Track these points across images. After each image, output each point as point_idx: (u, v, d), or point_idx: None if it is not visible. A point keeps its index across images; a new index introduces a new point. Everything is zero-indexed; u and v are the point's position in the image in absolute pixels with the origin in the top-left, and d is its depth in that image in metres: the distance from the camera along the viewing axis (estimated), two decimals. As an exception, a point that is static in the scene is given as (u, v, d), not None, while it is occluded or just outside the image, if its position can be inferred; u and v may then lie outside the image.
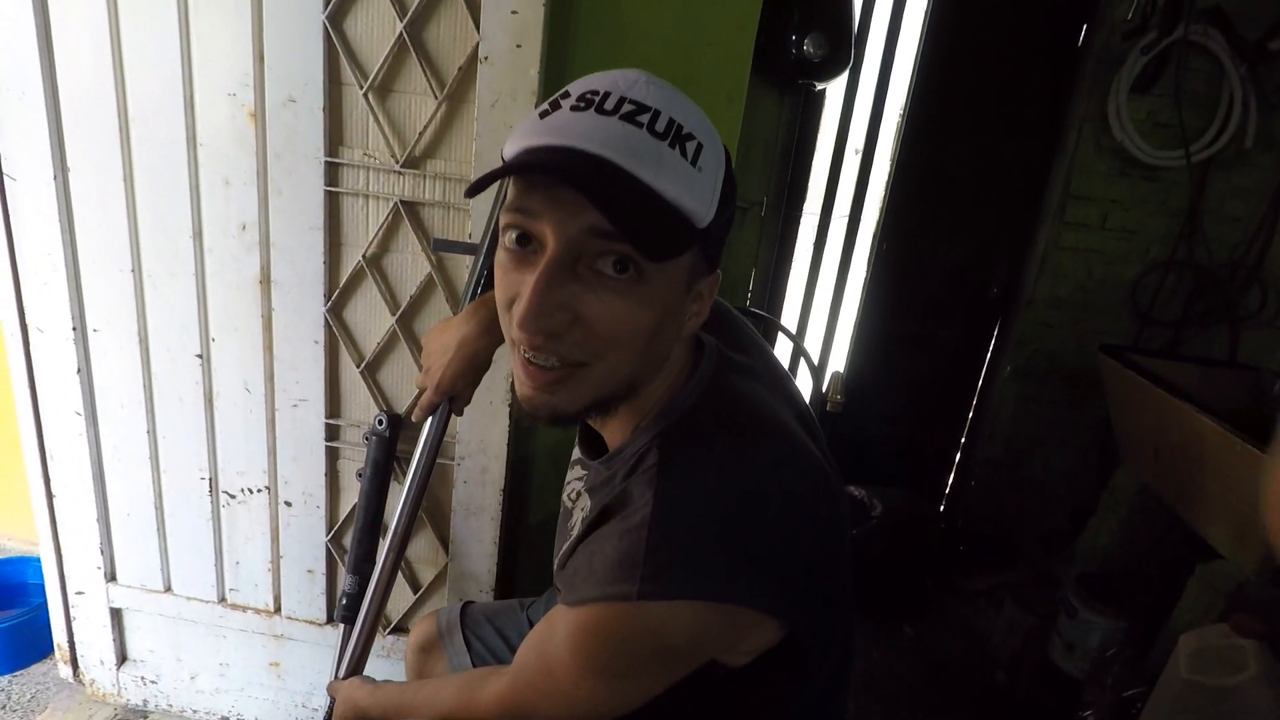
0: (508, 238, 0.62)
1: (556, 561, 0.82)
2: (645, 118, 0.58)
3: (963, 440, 2.80)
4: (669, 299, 0.63)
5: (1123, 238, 2.41)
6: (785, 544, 0.65)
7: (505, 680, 0.75)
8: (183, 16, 1.18)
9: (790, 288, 2.63)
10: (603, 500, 0.70)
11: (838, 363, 2.70)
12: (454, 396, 1.04)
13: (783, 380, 0.83)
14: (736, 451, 0.67)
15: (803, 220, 2.56)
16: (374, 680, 1.03)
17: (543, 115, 0.60)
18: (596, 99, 0.59)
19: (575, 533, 0.75)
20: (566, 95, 0.61)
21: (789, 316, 2.68)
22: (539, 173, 0.58)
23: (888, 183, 2.54)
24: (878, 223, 2.59)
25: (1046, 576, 2.45)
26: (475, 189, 0.62)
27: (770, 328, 2.28)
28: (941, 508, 2.86)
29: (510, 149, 0.62)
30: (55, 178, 1.28)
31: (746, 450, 0.67)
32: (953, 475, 2.83)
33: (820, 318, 2.68)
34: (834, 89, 2.36)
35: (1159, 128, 2.22)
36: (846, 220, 2.60)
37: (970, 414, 2.77)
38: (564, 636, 0.66)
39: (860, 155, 2.55)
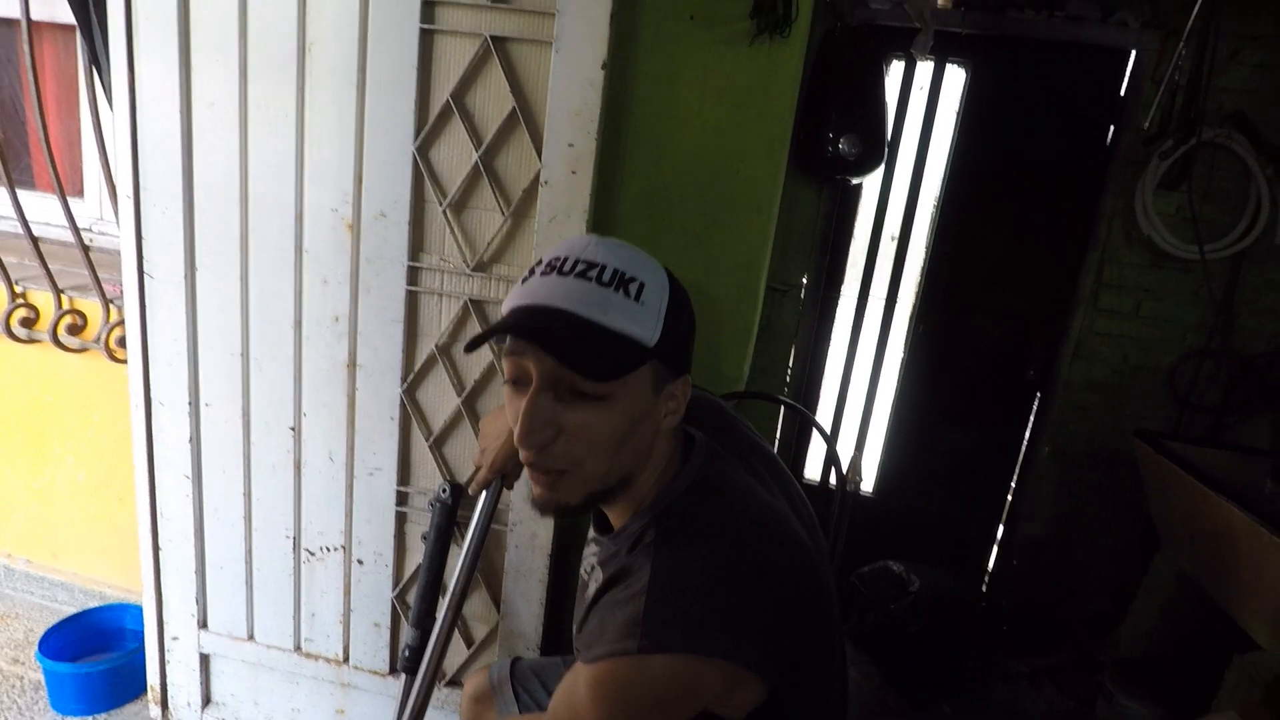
0: (509, 377, 0.80)
1: (575, 626, 0.95)
2: (594, 272, 0.76)
3: (1003, 520, 2.81)
4: (636, 407, 0.79)
5: (1157, 325, 2.46)
6: (767, 610, 0.78)
7: None
8: (299, 146, 1.42)
9: (829, 366, 2.75)
10: (609, 571, 0.85)
11: (876, 439, 2.79)
12: (505, 474, 1.21)
13: (773, 465, 0.98)
14: (723, 530, 0.82)
15: (840, 303, 2.71)
16: None
17: (524, 281, 0.80)
18: (558, 264, 0.78)
19: (589, 601, 0.89)
20: (540, 262, 0.80)
21: (828, 394, 2.79)
22: (510, 332, 0.76)
23: (923, 267, 2.67)
24: (914, 305, 2.70)
25: (1089, 660, 2.43)
26: (473, 345, 0.81)
27: (790, 409, 2.40)
28: (984, 587, 2.86)
29: (505, 306, 0.81)
30: (186, 276, 1.52)
31: (732, 529, 0.82)
32: (995, 554, 2.84)
33: (859, 395, 2.78)
34: (870, 181, 2.53)
35: (1188, 222, 2.30)
36: (884, 302, 2.72)
37: (1010, 494, 2.79)
38: (584, 689, 0.80)
39: (896, 241, 2.70)
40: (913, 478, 2.78)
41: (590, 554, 0.96)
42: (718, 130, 1.49)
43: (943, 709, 2.41)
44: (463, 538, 1.50)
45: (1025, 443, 2.73)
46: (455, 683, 1.63)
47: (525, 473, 0.83)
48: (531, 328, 0.76)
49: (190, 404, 1.58)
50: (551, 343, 0.74)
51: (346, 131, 1.39)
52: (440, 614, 1.33)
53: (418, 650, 1.39)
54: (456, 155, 1.39)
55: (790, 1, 1.38)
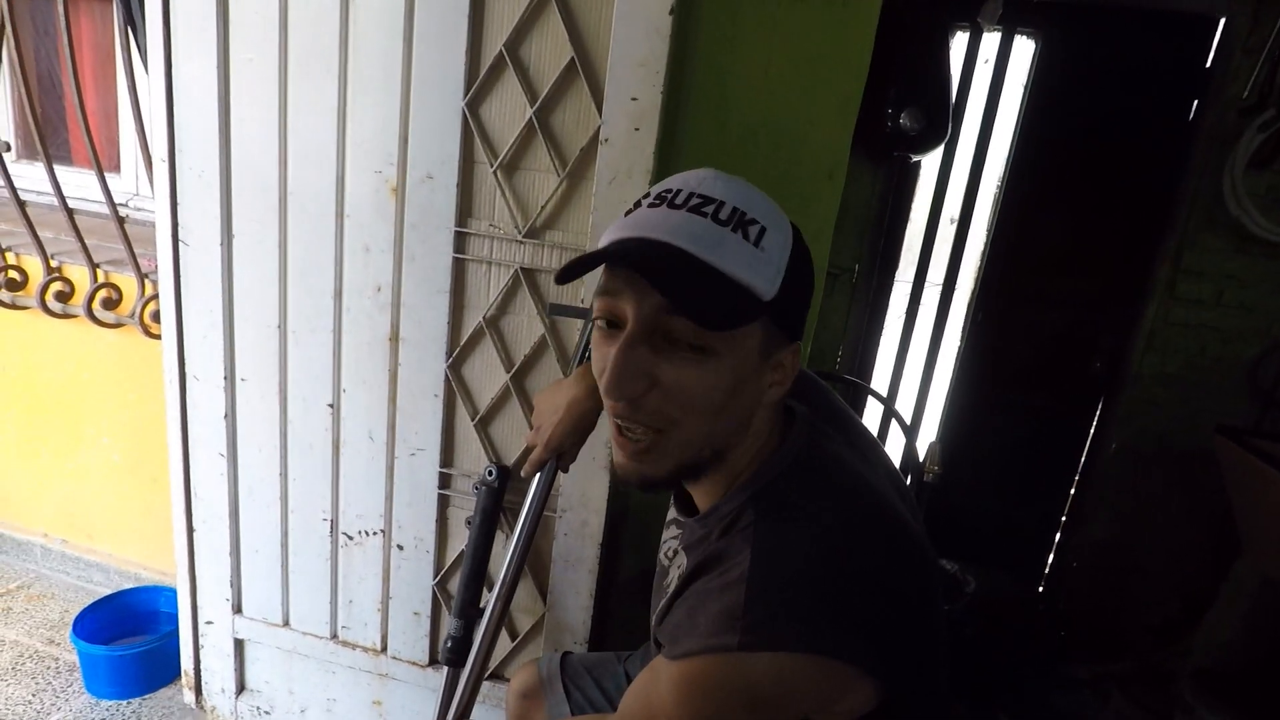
0: (599, 322, 0.71)
1: (654, 617, 0.85)
2: (710, 208, 0.67)
3: (1064, 519, 2.67)
4: (742, 368, 0.69)
5: (1240, 315, 2.30)
6: (880, 604, 0.67)
7: None
8: (341, 104, 1.34)
9: (881, 354, 2.62)
10: (698, 557, 0.75)
11: (929, 432, 2.66)
12: (561, 454, 1.11)
13: (875, 449, 0.87)
14: (831, 514, 0.71)
15: (895, 288, 2.58)
16: None
17: (627, 213, 0.71)
18: (669, 196, 0.69)
19: (671, 588, 0.79)
20: (647, 195, 0.71)
21: (879, 384, 2.67)
22: (612, 260, 0.68)
23: (984, 252, 2.53)
24: (973, 291, 2.57)
25: (1157, 669, 2.28)
26: (565, 275, 0.71)
27: (861, 393, 2.28)
28: (1041, 589, 2.72)
29: (602, 242, 0.71)
30: (222, 244, 1.45)
31: (841, 513, 0.71)
32: (1053, 555, 2.70)
33: (912, 386, 2.65)
34: (929, 160, 2.40)
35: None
36: (940, 288, 2.59)
37: (1072, 491, 2.65)
38: (668, 687, 0.69)
39: (955, 224, 2.56)
40: (969, 473, 2.64)
41: (671, 537, 0.86)
42: (786, 90, 1.38)
43: (999, 717, 2.28)
44: (509, 523, 1.42)
45: (1090, 438, 2.59)
46: (497, 676, 1.54)
47: (611, 435, 0.73)
48: (636, 260, 0.66)
49: (226, 379, 1.51)
50: (660, 279, 0.64)
51: (392, 87, 1.30)
52: (485, 604, 1.24)
53: (461, 641, 1.30)
54: (509, 111, 1.29)
55: (870, -50, 1.27)
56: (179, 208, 1.45)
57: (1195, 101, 2.22)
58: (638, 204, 0.71)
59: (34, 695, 1.82)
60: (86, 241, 1.91)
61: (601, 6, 1.21)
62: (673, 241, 0.66)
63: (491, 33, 1.26)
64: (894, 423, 1.80)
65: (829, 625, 0.65)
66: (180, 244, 1.47)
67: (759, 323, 0.68)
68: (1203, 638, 2.15)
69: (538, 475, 1.17)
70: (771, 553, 0.68)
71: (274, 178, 1.40)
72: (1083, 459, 2.61)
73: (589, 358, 1.16)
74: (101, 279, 1.95)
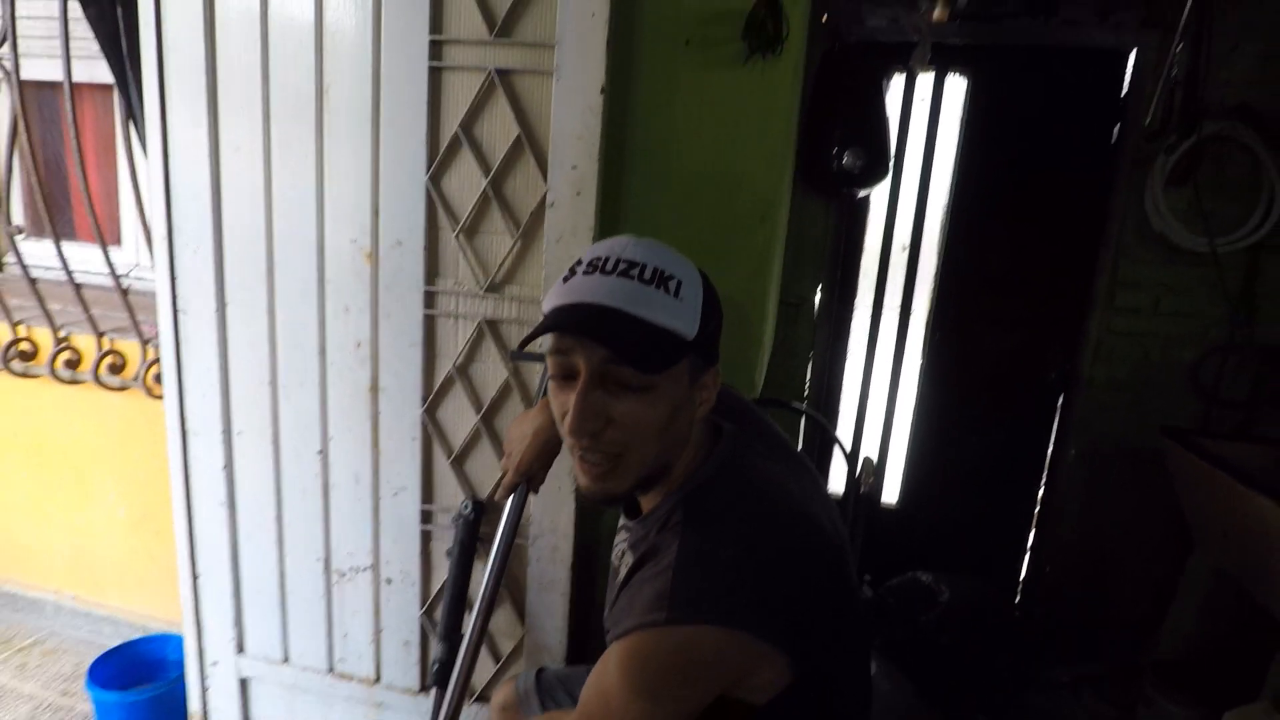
0: (554, 373, 0.85)
1: (606, 610, 0.99)
2: (635, 271, 0.81)
3: (1033, 525, 2.78)
4: (677, 396, 0.84)
5: (1178, 321, 2.44)
6: (790, 589, 0.81)
7: (572, 716, 0.91)
8: (319, 183, 1.50)
9: (847, 379, 2.76)
10: (639, 552, 0.90)
11: (899, 450, 2.78)
12: (531, 477, 1.25)
13: (795, 459, 1.01)
14: (748, 509, 0.86)
15: (855, 315, 2.73)
16: None
17: (565, 280, 0.85)
18: (600, 263, 0.83)
19: (619, 582, 0.93)
20: (580, 263, 0.85)
21: (847, 405, 2.80)
22: (565, 329, 0.82)
23: (936, 276, 2.68)
24: (929, 314, 2.71)
25: (1132, 666, 2.37)
26: (522, 346, 0.87)
27: (813, 420, 2.41)
28: (1017, 596, 2.81)
29: (546, 306, 0.86)
30: (216, 310, 1.60)
31: (756, 509, 0.86)
32: (1026, 561, 2.80)
33: (879, 406, 2.78)
34: (879, 192, 2.56)
35: (1200, 216, 2.29)
36: (898, 313, 2.73)
37: (1039, 498, 2.76)
38: (613, 665, 0.83)
39: (907, 252, 2.71)
40: (938, 487, 2.76)
41: (621, 540, 1.00)
42: (717, 148, 1.54)
43: (977, 718, 2.37)
44: (486, 553, 1.55)
45: (1051, 446, 2.71)
46: (484, 698, 1.65)
47: (574, 464, 0.87)
48: (584, 324, 0.80)
49: (224, 432, 1.65)
50: (606, 338, 0.79)
51: (363, 166, 1.47)
52: (466, 629, 1.36)
53: (446, 664, 1.42)
54: (467, 183, 1.45)
55: (780, 20, 1.44)
56: (177, 280, 1.61)
57: (1117, 126, 2.39)
58: (573, 271, 0.85)
59: (52, 745, 1.92)
60: (92, 312, 2.07)
61: (543, 89, 1.38)
62: (609, 304, 0.80)
63: (448, 115, 1.43)
64: (837, 440, 1.92)
65: (743, 605, 0.79)
66: (179, 312, 1.62)
67: (686, 359, 0.84)
68: (1167, 631, 2.25)
69: (510, 498, 1.30)
70: (695, 545, 0.83)
71: (261, 250, 1.55)
72: (1046, 466, 2.72)
73: (545, 392, 1.31)
74: (106, 346, 2.10)
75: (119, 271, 2.05)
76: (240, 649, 1.76)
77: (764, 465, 0.93)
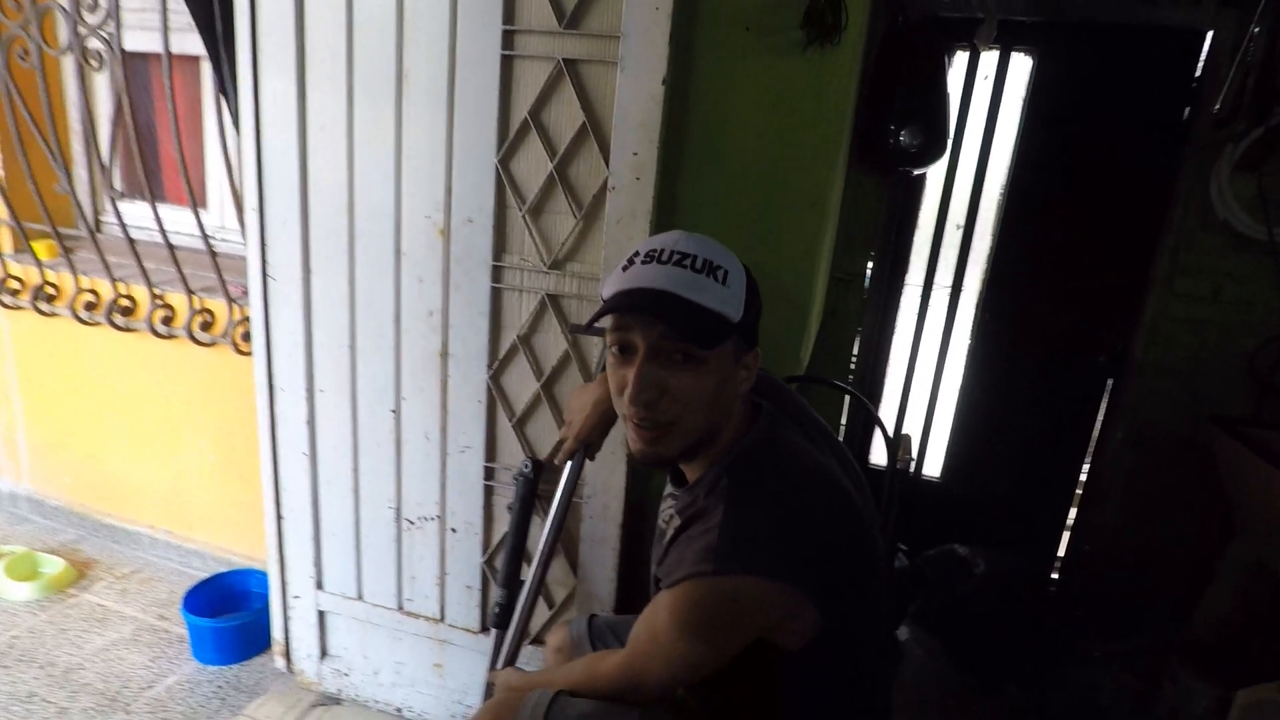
0: (614, 349, 0.96)
1: (654, 564, 1.11)
2: (688, 261, 0.92)
3: (1076, 505, 2.80)
4: (722, 371, 0.95)
5: (1239, 310, 2.40)
6: (821, 547, 0.92)
7: (622, 653, 1.05)
8: (397, 163, 1.61)
9: (895, 354, 2.80)
10: (687, 516, 1.01)
11: (943, 426, 2.83)
12: (589, 444, 1.37)
13: (825, 436, 1.12)
14: (785, 479, 0.97)
15: (905, 291, 2.75)
16: (523, 669, 1.33)
17: (624, 269, 0.96)
18: (656, 254, 0.94)
19: (668, 541, 1.05)
20: (637, 254, 0.96)
21: (893, 381, 2.84)
22: (628, 306, 0.93)
23: (989, 255, 2.68)
24: (980, 293, 2.72)
25: (1165, 643, 2.41)
26: (589, 325, 0.98)
27: (842, 392, 2.46)
28: (1056, 573, 2.85)
29: (607, 291, 0.96)
30: (302, 279, 1.73)
31: (792, 479, 0.97)
32: (1067, 539, 2.83)
33: (925, 383, 2.81)
34: (935, 170, 2.56)
35: (1267, 204, 2.24)
36: (949, 290, 2.75)
37: (1083, 479, 2.78)
38: (664, 610, 0.95)
39: (961, 230, 2.72)
40: (982, 464, 2.80)
41: (667, 506, 1.11)
42: (772, 136, 1.58)
43: (1009, 688, 2.44)
44: (543, 508, 1.67)
45: (1098, 428, 2.71)
46: (538, 640, 1.80)
47: (627, 430, 0.98)
48: (644, 305, 0.91)
49: (307, 390, 1.80)
50: (664, 315, 0.90)
51: (438, 147, 1.57)
52: (525, 577, 1.49)
53: (506, 608, 1.56)
54: (534, 165, 1.55)
55: (840, 10, 1.47)
56: (267, 248, 1.74)
57: (1187, 109, 2.34)
58: (630, 261, 0.96)
59: (152, 661, 2.15)
60: (184, 271, 2.24)
61: (608, 78, 1.45)
62: (667, 289, 0.91)
63: (518, 101, 1.51)
64: (877, 419, 1.98)
65: (781, 558, 0.90)
66: (269, 278, 1.76)
67: (731, 340, 0.94)
68: (1201, 613, 2.28)
69: (569, 463, 1.42)
70: (739, 507, 0.94)
71: (344, 223, 1.68)
72: (1091, 447, 2.73)
73: (604, 367, 1.42)
74: (198, 305, 2.28)
75: (207, 233, 2.21)
76: (319, 585, 1.94)
77: (798, 439, 1.03)
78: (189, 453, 2.47)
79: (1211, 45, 2.25)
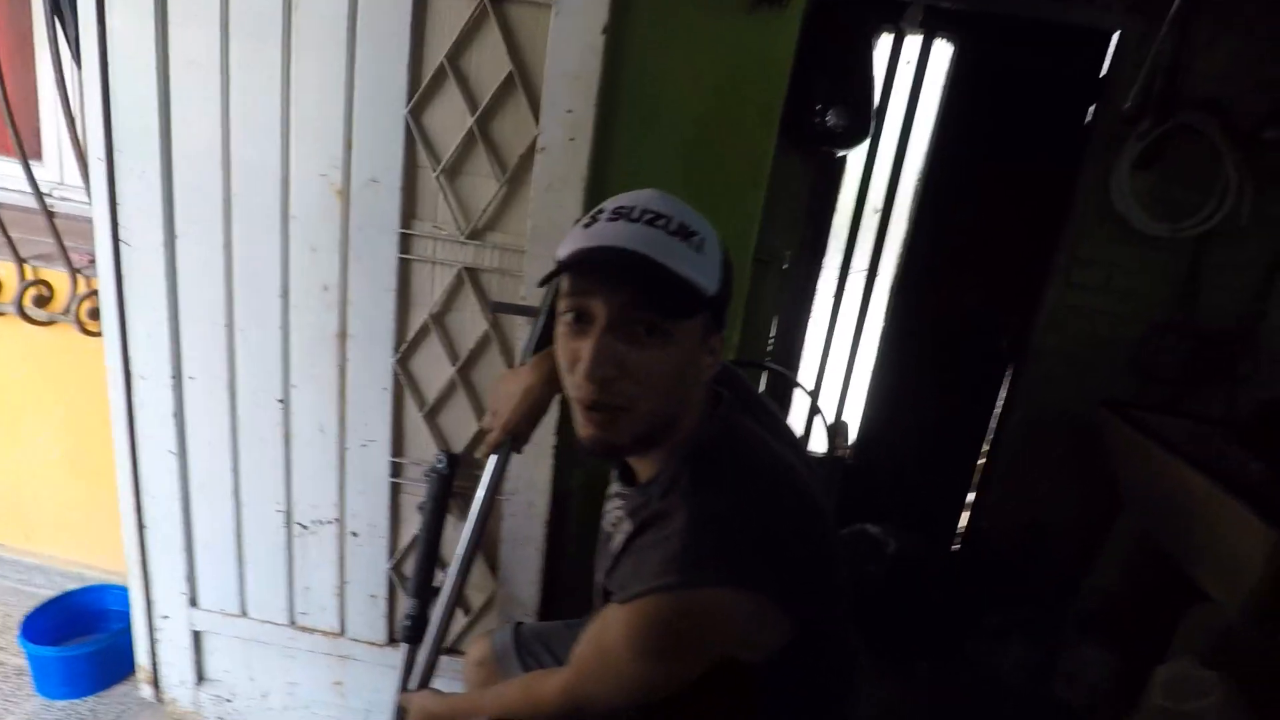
0: (568, 317, 0.83)
1: (600, 576, 0.98)
2: (662, 222, 0.81)
3: (976, 484, 2.90)
4: (688, 351, 0.83)
5: (1126, 300, 2.53)
6: (789, 549, 0.82)
7: (565, 673, 0.91)
8: (285, 109, 1.38)
9: (810, 336, 2.78)
10: (641, 518, 0.88)
11: (855, 407, 2.84)
12: (517, 436, 1.20)
13: (781, 426, 1.03)
14: (752, 476, 0.86)
15: (823, 274, 2.73)
16: (441, 691, 1.17)
17: (586, 226, 0.83)
18: (625, 211, 0.82)
19: (618, 548, 0.91)
20: (602, 211, 0.83)
21: (808, 363, 2.83)
22: (591, 265, 0.80)
23: (904, 239, 2.70)
24: (894, 276, 2.74)
25: (1058, 615, 2.53)
26: (546, 280, 0.85)
27: (789, 383, 2.43)
28: (957, 548, 2.95)
29: (564, 250, 0.83)
30: (165, 244, 1.47)
31: (760, 476, 0.87)
32: (967, 517, 2.93)
33: (839, 365, 2.82)
34: (856, 153, 2.54)
35: (1159, 201, 2.36)
36: (865, 274, 2.75)
37: (983, 459, 2.87)
38: (620, 628, 0.82)
39: (879, 214, 2.72)
40: (890, 444, 2.84)
41: (614, 508, 0.99)
42: (714, 100, 1.47)
43: (918, 665, 2.49)
44: (459, 508, 1.50)
45: (998, 409, 2.81)
46: (454, 650, 1.63)
47: (575, 414, 0.85)
48: (610, 266, 0.79)
49: (173, 377, 1.54)
50: (636, 279, 0.78)
51: (335, 94, 1.35)
52: (442, 584, 1.32)
53: (418, 619, 1.39)
54: (451, 119, 1.36)
55: (790, -31, 1.37)
56: (119, 207, 1.46)
57: (1092, 106, 2.42)
58: (594, 218, 0.83)
59: (-18, 698, 1.82)
60: (11, 234, 1.88)
61: (539, 23, 1.29)
62: (636, 249, 0.78)
63: (433, 44, 1.32)
64: (813, 402, 1.93)
65: (753, 565, 0.79)
66: (121, 243, 1.48)
67: (702, 316, 0.82)
68: (1090, 585, 2.41)
69: (493, 456, 1.25)
70: (704, 509, 0.82)
71: (217, 179, 1.43)
72: (991, 429, 2.83)
73: (535, 350, 1.26)
74: (31, 275, 1.92)
75: (42, 190, 1.86)
76: (193, 602, 1.68)
77: (756, 430, 0.93)
78: (26, 448, 2.11)
79: (1117, 46, 2.33)
